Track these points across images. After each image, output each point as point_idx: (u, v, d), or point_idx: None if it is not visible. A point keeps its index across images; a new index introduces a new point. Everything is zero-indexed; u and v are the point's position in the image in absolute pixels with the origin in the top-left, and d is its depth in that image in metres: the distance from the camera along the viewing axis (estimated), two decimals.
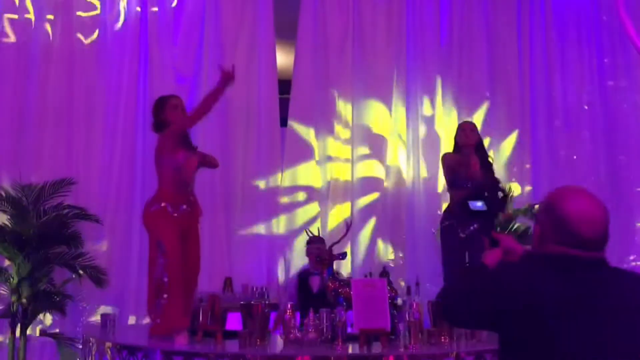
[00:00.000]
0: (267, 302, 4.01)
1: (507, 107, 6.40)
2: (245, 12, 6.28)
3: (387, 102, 6.29)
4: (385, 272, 5.12)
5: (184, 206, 4.15)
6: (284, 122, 6.33)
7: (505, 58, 6.49)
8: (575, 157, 6.44)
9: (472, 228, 4.50)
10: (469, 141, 4.70)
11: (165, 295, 4.03)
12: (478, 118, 6.21)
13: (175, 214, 4.10)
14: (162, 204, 4.12)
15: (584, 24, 6.68)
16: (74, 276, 5.28)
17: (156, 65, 5.99)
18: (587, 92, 6.56)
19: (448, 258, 4.67)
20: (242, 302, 3.92)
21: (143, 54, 6.01)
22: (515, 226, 5.76)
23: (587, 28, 6.68)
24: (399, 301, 4.19)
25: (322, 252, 3.96)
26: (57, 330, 5.36)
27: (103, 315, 4.60)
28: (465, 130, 4.74)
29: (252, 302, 3.87)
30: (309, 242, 5.38)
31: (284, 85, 6.41)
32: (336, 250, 4.14)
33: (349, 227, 4.11)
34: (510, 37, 6.54)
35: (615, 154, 6.51)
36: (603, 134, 6.51)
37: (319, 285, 5.27)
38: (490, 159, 4.79)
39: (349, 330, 3.78)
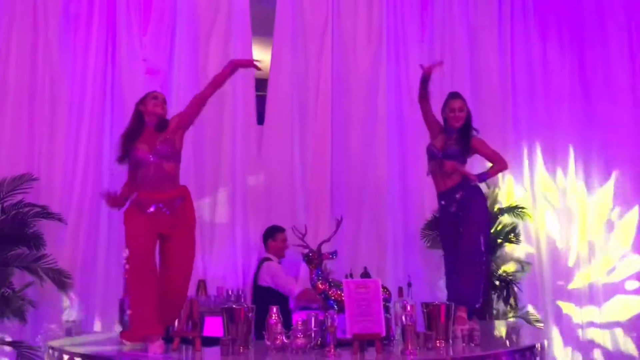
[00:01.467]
0: (247, 305, 3.61)
1: (489, 104, 6.13)
2: (220, 2, 5.88)
3: None
4: (366, 272, 4.81)
5: (155, 207, 3.64)
6: (260, 120, 5.95)
7: (486, 54, 6.25)
8: (558, 151, 6.31)
9: (459, 196, 4.12)
10: (456, 123, 4.20)
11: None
12: None
13: (143, 215, 3.62)
14: (134, 205, 3.69)
15: (564, 20, 6.50)
16: (35, 280, 4.79)
17: (124, 54, 5.55)
18: (568, 86, 6.38)
19: (443, 243, 4.30)
20: (224, 306, 3.51)
21: (111, 42, 5.57)
22: (500, 225, 5.51)
23: (567, 25, 6.51)
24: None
25: (310, 250, 3.59)
26: (17, 339, 4.86)
27: (67, 322, 4.14)
28: (454, 111, 4.21)
29: (234, 306, 3.47)
30: (277, 231, 5.05)
31: (260, 83, 6.04)
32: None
33: (339, 225, 3.75)
34: (490, 34, 6.30)
35: (597, 156, 6.36)
36: (584, 126, 6.35)
37: None
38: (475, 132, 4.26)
39: (339, 335, 3.42)
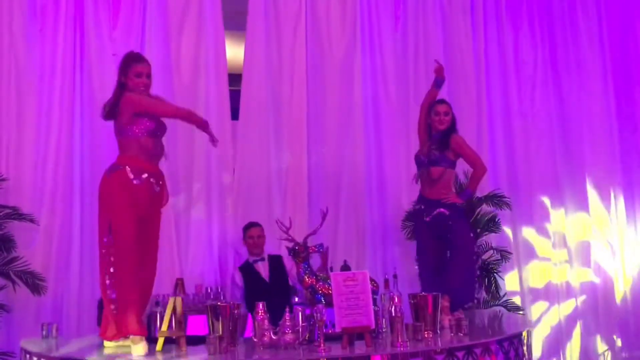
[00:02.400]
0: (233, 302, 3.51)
1: (464, 95, 6.12)
2: None
3: None
4: (346, 265, 4.76)
5: (146, 175, 3.50)
6: (235, 115, 5.82)
7: (460, 44, 6.23)
8: (531, 143, 6.32)
9: (436, 212, 4.15)
10: (440, 126, 4.31)
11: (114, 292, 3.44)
12: None
13: (136, 181, 3.46)
14: (123, 167, 3.49)
15: (536, 11, 6.54)
16: (7, 284, 4.61)
17: (93, 50, 5.36)
18: (540, 79, 6.43)
19: (418, 245, 4.36)
20: (208, 304, 3.40)
21: (79, 37, 5.37)
22: (480, 213, 5.49)
23: (538, 14, 6.56)
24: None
25: (296, 244, 3.50)
26: None
27: (44, 325, 3.97)
28: (439, 115, 4.32)
29: (219, 303, 3.36)
30: (247, 228, 5.00)
31: (233, 78, 5.91)
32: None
33: (325, 217, 3.67)
34: (464, 23, 6.29)
35: (569, 143, 6.39)
36: (557, 120, 6.39)
37: (269, 273, 4.92)
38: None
39: (326, 329, 3.35)
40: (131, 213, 3.41)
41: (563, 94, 6.48)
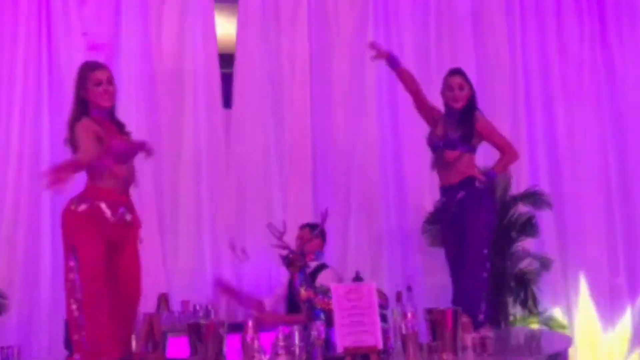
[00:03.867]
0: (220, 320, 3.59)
1: (496, 77, 6.13)
2: None
3: None
4: (358, 277, 4.80)
5: (122, 209, 3.68)
6: (227, 103, 5.90)
7: (492, 20, 6.24)
8: (576, 130, 6.31)
9: (458, 197, 4.15)
10: (455, 104, 4.23)
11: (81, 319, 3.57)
12: None
13: (112, 219, 3.64)
14: (99, 204, 3.62)
15: None
16: None
17: (60, 30, 5.48)
18: (588, 56, 6.42)
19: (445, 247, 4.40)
20: (188, 322, 3.48)
21: (45, 16, 5.49)
22: (516, 214, 5.50)
23: None
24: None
25: (290, 251, 3.55)
26: None
27: (3, 349, 4.08)
28: (452, 90, 4.24)
29: (201, 322, 3.43)
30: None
31: (225, 59, 5.98)
32: None
33: (325, 218, 3.72)
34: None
35: (620, 120, 6.37)
36: (608, 103, 6.38)
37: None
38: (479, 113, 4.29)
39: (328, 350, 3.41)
40: (99, 242, 3.55)
41: (616, 71, 6.42)
